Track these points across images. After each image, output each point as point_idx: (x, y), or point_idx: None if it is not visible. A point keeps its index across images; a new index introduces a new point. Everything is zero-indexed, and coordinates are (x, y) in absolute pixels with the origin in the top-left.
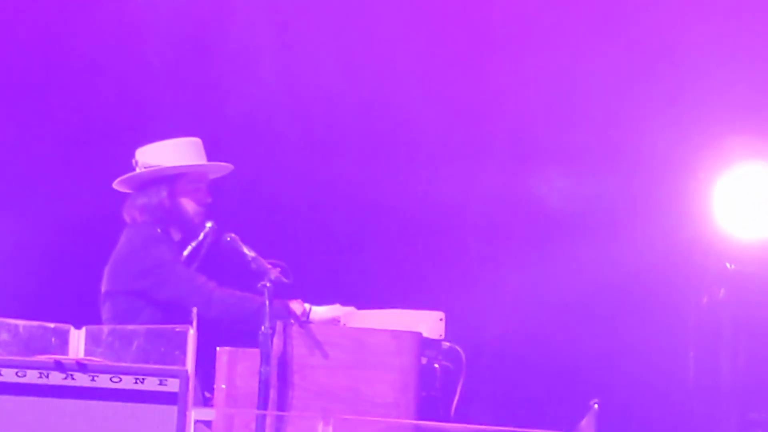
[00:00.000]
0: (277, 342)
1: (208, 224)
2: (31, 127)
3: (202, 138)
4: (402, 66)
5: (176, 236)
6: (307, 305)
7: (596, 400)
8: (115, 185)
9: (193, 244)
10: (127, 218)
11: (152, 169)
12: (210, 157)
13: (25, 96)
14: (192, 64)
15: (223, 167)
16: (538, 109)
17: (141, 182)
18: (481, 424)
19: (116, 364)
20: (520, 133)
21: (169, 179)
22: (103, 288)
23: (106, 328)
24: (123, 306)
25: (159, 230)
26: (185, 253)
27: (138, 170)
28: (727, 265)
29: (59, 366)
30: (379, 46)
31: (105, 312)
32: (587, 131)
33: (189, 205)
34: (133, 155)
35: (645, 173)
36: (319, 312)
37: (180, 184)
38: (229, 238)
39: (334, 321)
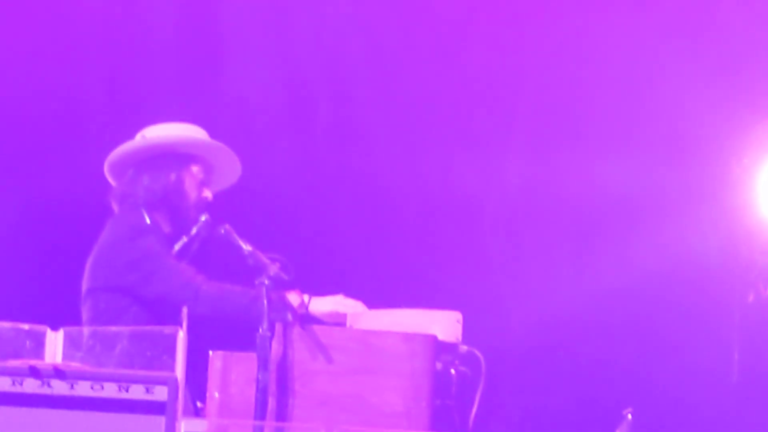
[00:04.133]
0: (276, 345)
1: (202, 217)
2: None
3: (194, 123)
4: (414, 44)
5: (166, 228)
6: (306, 296)
7: (630, 410)
8: (113, 158)
9: (185, 238)
10: (114, 205)
11: (163, 140)
12: None
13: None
14: (187, 46)
15: (234, 170)
16: (565, 92)
17: (146, 158)
18: None
19: (98, 370)
20: (545, 118)
21: (180, 159)
22: (84, 285)
23: (86, 330)
24: (106, 304)
25: (148, 220)
26: (176, 247)
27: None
28: None
29: (34, 372)
30: (390, 24)
31: (86, 312)
32: (620, 115)
33: (192, 195)
34: (117, 140)
35: (683, 159)
36: (320, 303)
37: (191, 168)
38: (223, 231)
39: (339, 321)
